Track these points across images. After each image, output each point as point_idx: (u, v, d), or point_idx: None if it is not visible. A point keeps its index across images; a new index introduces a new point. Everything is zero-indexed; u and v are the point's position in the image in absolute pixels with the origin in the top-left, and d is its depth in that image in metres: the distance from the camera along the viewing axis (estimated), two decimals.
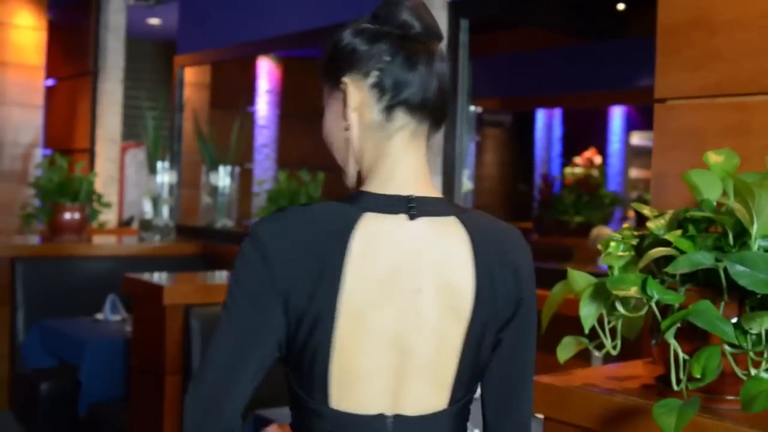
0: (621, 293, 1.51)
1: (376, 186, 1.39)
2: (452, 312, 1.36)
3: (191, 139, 6.25)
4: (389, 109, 1.38)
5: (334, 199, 1.39)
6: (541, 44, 8.78)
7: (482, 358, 1.41)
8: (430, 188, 1.41)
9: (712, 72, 1.90)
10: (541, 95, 9.63)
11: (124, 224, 7.49)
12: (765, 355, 1.47)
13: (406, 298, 1.35)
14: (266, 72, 9.32)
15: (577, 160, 9.64)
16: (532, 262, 1.45)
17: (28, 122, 7.12)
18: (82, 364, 4.26)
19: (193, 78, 7.61)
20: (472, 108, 4.44)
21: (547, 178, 10.08)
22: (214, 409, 1.34)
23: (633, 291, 1.50)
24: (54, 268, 5.25)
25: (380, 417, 1.37)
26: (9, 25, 7.18)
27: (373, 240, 1.34)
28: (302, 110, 5.14)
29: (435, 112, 1.40)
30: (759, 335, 1.46)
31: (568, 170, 9.77)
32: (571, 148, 10.22)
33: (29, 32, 7.26)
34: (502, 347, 1.42)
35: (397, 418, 1.37)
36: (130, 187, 8.10)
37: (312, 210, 1.36)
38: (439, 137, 4.10)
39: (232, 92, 8.57)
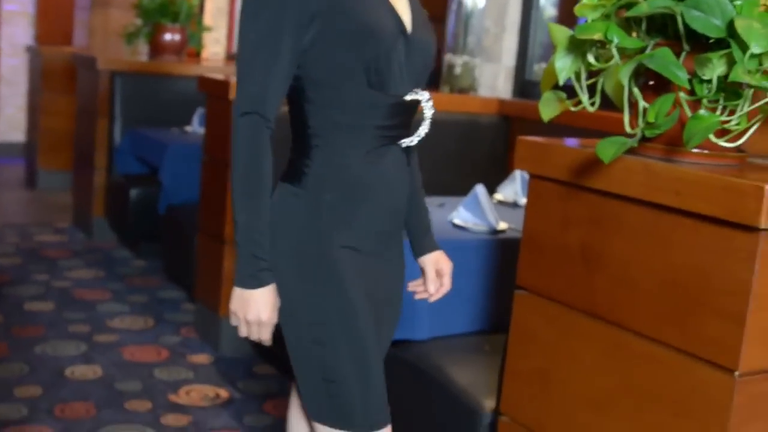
0: (586, 36, 1.57)
1: None
2: None
3: None
4: None
5: None
6: None
7: None
8: None
9: None
10: None
11: (233, 58, 7.70)
12: (720, 102, 1.53)
13: None
14: None
15: None
16: None
17: None
18: (163, 165, 4.53)
19: None
20: None
21: None
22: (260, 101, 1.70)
23: (597, 36, 1.56)
24: (151, 84, 5.52)
25: None
26: None
27: None
28: None
29: None
30: (712, 83, 1.51)
31: None
32: None
33: None
34: None
35: None
36: None
37: None
38: None
39: None
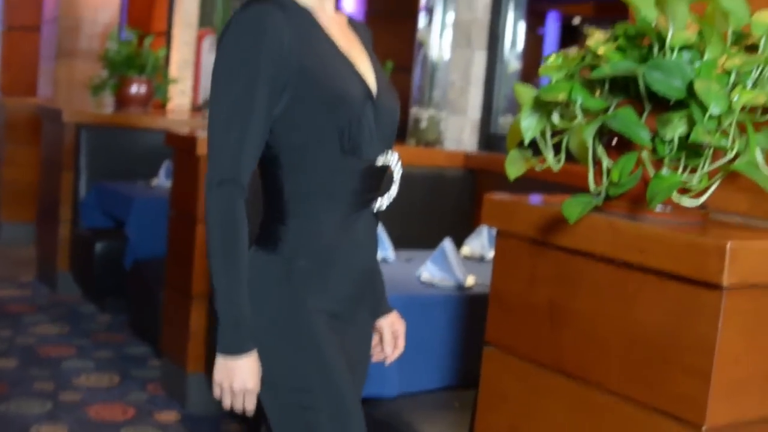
0: (549, 98, 1.59)
1: None
2: None
3: None
4: None
5: None
6: None
7: None
8: None
9: None
10: None
11: (198, 109, 7.70)
12: (681, 161, 1.55)
13: None
14: None
15: None
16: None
17: (107, 1, 7.30)
18: (129, 219, 4.51)
19: None
20: None
21: None
22: (234, 170, 1.71)
23: (561, 97, 1.59)
24: (117, 137, 5.51)
25: None
26: None
27: None
28: (390, 8, 5.27)
29: None
30: (674, 142, 1.53)
31: None
32: None
33: None
34: None
35: None
36: (207, 74, 8.29)
37: None
38: (485, 14, 4.16)
39: None
